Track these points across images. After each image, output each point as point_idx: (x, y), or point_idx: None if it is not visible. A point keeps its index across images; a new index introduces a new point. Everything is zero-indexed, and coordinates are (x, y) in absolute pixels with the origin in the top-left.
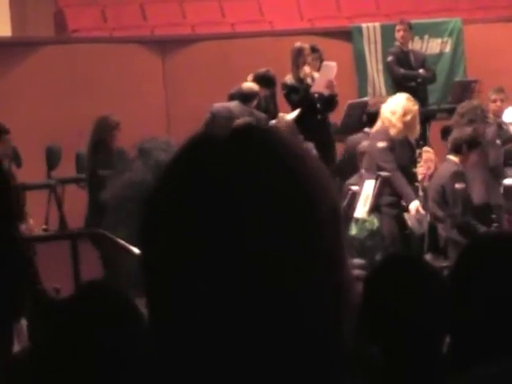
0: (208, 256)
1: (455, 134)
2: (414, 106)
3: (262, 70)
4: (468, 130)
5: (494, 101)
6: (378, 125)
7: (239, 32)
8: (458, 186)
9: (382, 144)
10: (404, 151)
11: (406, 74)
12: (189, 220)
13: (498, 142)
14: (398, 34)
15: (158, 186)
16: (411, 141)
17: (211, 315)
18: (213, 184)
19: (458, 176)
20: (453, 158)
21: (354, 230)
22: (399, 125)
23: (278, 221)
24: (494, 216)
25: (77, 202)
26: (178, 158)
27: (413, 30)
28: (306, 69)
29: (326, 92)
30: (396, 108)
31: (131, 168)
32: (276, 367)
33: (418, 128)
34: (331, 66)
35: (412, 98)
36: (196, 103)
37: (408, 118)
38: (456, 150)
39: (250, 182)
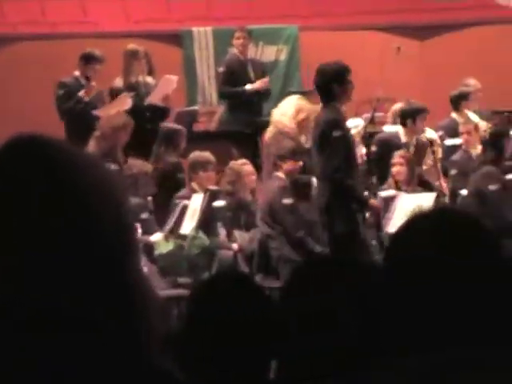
0: None
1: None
2: (307, 105)
3: (88, 49)
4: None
5: None
6: (271, 130)
7: (60, 32)
8: (285, 201)
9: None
10: None
11: (230, 92)
12: None
13: None
14: (238, 42)
15: None
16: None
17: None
18: None
19: (285, 191)
20: (279, 173)
21: (185, 247)
22: (290, 124)
23: (49, 228)
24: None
25: None
26: None
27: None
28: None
29: (160, 104)
30: (288, 109)
31: None
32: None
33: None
34: (171, 80)
35: (303, 97)
36: (17, 104)
37: (301, 116)
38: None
39: (24, 192)
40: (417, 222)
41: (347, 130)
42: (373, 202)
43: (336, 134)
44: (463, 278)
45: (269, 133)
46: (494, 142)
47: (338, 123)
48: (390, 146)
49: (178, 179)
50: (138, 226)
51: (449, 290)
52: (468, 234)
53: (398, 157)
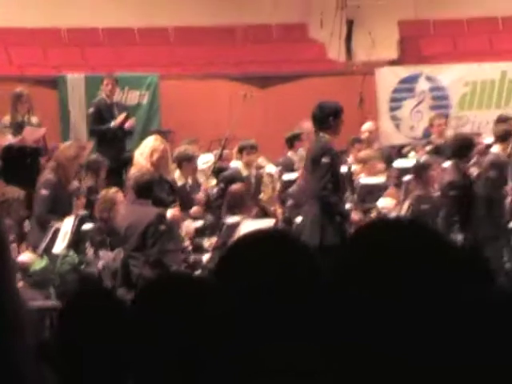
0: None
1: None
2: (161, 145)
3: None
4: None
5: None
6: (132, 169)
7: None
8: (162, 227)
9: None
10: (162, 189)
11: (98, 130)
12: None
13: None
14: (107, 88)
15: None
16: (168, 179)
17: None
18: None
19: (162, 219)
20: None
21: (57, 265)
22: (147, 165)
23: None
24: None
25: None
26: None
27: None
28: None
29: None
30: (144, 149)
31: None
32: None
33: (171, 166)
34: (36, 130)
35: (159, 138)
36: None
37: (155, 156)
38: (141, 193)
39: None
40: (243, 243)
41: (336, 157)
42: (354, 216)
43: (325, 160)
44: (283, 299)
45: (130, 172)
46: None
47: (327, 151)
48: (234, 180)
49: (90, 200)
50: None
51: (266, 309)
52: (295, 256)
53: None
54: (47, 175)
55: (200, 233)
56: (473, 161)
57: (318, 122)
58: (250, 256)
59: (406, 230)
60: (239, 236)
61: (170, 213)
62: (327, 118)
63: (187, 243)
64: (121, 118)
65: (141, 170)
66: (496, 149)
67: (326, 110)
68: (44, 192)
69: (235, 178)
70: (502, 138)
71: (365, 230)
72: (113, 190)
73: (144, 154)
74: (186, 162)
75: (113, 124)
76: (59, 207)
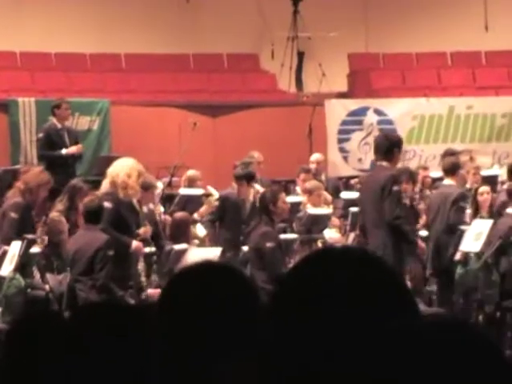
0: None
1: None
2: (144, 169)
3: None
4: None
5: None
6: (106, 187)
7: None
8: (109, 253)
9: (108, 204)
10: (132, 213)
11: (48, 155)
12: None
13: None
14: (66, 112)
15: None
16: (134, 202)
17: None
18: None
19: (110, 244)
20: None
21: (4, 287)
22: (137, 187)
23: None
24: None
25: None
26: None
27: None
28: None
29: None
30: (132, 171)
31: None
32: None
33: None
34: None
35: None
36: None
37: (141, 179)
38: (90, 218)
39: None
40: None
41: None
42: (420, 243)
43: (395, 188)
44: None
45: (103, 188)
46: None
47: (397, 179)
48: (228, 199)
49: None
50: None
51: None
52: (236, 287)
53: None
54: (15, 198)
55: (146, 263)
56: (420, 193)
57: (384, 152)
58: (191, 288)
59: (354, 259)
60: (182, 267)
61: (134, 244)
62: (392, 148)
63: (143, 279)
64: (72, 149)
65: (125, 190)
66: (449, 182)
67: (392, 140)
68: (13, 215)
69: (229, 197)
70: (451, 170)
71: (311, 258)
72: (55, 214)
73: (132, 176)
74: (146, 190)
75: (64, 152)
76: (25, 230)
